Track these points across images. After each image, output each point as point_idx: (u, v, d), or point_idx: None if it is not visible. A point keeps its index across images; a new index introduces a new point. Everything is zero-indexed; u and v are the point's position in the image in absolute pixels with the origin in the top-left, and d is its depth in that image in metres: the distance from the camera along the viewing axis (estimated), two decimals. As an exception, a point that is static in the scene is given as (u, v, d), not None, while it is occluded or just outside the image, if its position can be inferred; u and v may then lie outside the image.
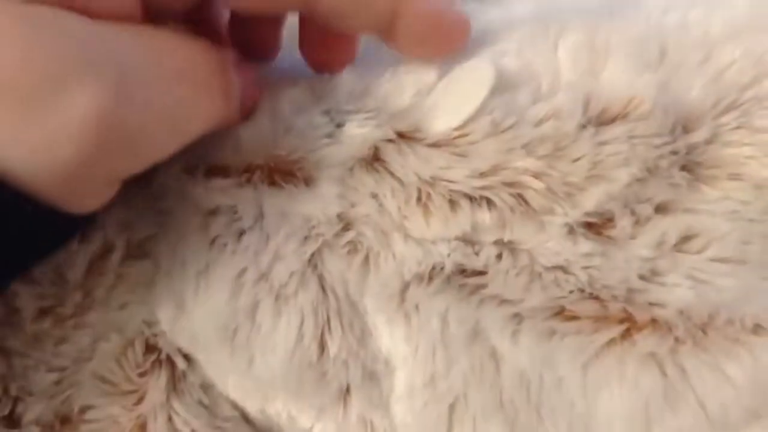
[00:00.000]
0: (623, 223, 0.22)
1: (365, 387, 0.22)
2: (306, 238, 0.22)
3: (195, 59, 0.20)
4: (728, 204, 0.22)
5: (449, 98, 0.22)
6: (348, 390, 0.22)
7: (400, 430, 0.23)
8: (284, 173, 0.22)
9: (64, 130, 0.16)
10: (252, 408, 0.23)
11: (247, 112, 0.23)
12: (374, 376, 0.23)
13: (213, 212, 0.23)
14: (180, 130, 0.20)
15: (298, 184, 0.22)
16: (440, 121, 0.22)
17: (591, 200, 0.22)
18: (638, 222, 0.22)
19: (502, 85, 0.22)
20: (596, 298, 0.22)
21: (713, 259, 0.22)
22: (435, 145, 0.22)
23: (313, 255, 0.22)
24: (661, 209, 0.22)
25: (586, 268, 0.22)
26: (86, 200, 0.18)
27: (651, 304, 0.21)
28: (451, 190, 0.22)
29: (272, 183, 0.23)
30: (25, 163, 0.16)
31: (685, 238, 0.22)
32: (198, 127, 0.20)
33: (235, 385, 0.23)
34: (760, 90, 0.22)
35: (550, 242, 0.22)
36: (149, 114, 0.18)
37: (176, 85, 0.19)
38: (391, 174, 0.22)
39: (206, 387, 0.23)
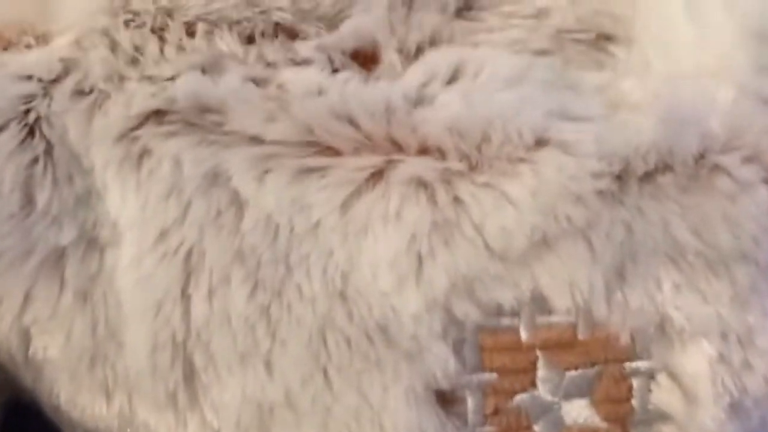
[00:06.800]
0: (391, 57, 0.19)
1: (80, 253, 0.18)
2: (25, 84, 0.19)
3: None
4: (510, 33, 0.20)
5: None
6: (62, 255, 0.18)
7: (127, 304, 0.18)
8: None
9: None
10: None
11: None
12: (95, 242, 0.18)
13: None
14: None
15: (30, 44, 0.20)
16: None
17: (349, 25, 0.19)
18: (407, 57, 0.20)
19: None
20: (354, 124, 0.18)
21: (488, 80, 0.19)
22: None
23: (28, 100, 0.19)
24: (435, 41, 0.20)
25: (341, 93, 0.18)
26: None
27: (418, 124, 0.18)
28: (191, 16, 0.19)
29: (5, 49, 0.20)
30: None
31: (460, 69, 0.19)
32: None
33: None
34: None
35: (308, 71, 0.19)
36: None
37: None
38: (126, 8, 0.19)
39: None
